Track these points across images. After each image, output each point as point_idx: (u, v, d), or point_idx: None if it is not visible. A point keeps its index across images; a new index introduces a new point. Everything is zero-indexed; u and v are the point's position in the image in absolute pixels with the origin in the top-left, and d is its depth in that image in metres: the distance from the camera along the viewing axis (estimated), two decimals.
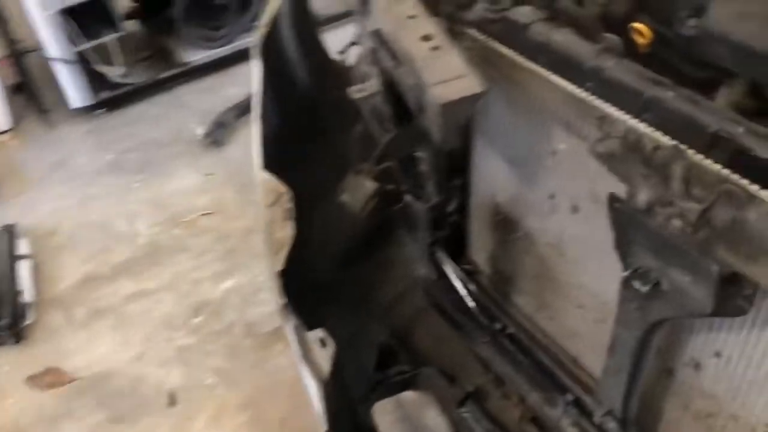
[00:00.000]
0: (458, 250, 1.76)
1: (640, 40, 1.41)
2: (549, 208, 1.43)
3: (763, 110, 1.24)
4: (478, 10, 1.39)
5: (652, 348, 1.18)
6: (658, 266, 1.03)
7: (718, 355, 1.16)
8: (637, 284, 1.07)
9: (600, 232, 1.32)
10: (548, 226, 1.45)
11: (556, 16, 1.30)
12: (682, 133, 1.06)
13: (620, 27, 1.41)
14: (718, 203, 0.91)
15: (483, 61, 1.42)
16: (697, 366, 1.22)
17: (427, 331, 1.79)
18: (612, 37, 1.21)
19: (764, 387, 1.12)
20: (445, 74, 1.19)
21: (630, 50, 1.40)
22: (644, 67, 1.38)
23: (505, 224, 1.58)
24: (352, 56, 1.82)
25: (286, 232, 1.73)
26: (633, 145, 0.98)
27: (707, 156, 1.03)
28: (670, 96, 1.08)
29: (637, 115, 1.12)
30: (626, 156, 0.99)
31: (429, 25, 1.31)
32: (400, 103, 1.48)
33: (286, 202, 1.73)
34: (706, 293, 0.97)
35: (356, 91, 1.52)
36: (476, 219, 1.68)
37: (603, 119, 1.06)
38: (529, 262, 1.55)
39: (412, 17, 1.33)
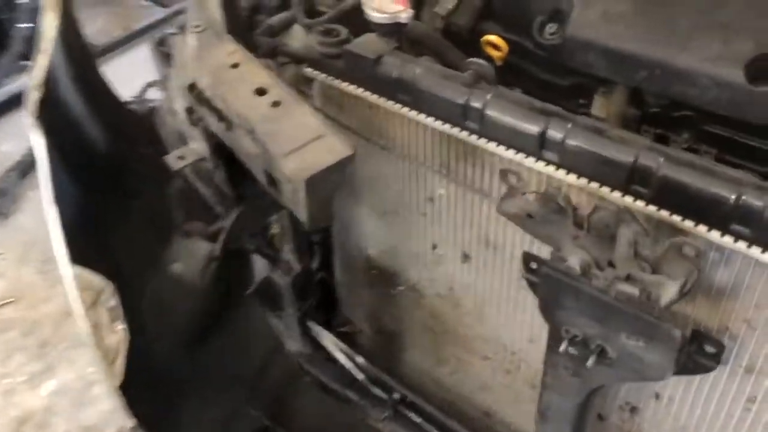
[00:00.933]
0: (329, 310, 1.53)
1: (495, 54, 1.25)
2: (434, 258, 1.24)
3: (649, 117, 1.13)
4: (310, 45, 1.16)
5: (591, 410, 1.04)
6: (600, 333, 0.87)
7: (657, 396, 1.04)
8: (574, 352, 0.90)
9: (498, 279, 1.16)
10: (436, 276, 1.26)
11: (401, 45, 1.10)
12: (594, 170, 0.91)
13: (466, 41, 1.25)
14: (670, 260, 0.76)
15: (328, 104, 1.19)
16: (633, 410, 1.09)
17: (314, 413, 1.55)
18: (480, 63, 1.04)
19: (708, 427, 1.01)
20: (297, 138, 0.95)
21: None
22: (501, 79, 1.24)
23: (382, 278, 1.37)
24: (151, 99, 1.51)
25: (118, 336, 1.40)
26: (555, 204, 0.80)
27: (626, 193, 0.89)
28: (569, 128, 0.91)
29: (534, 154, 0.95)
30: (550, 218, 0.81)
31: (260, 73, 1.05)
32: (236, 166, 1.22)
33: (110, 299, 1.40)
34: (667, 358, 0.83)
35: (175, 160, 1.23)
36: (346, 275, 1.46)
37: (506, 172, 0.87)
38: (419, 315, 1.36)
39: (235, 66, 1.06)
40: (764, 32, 0.98)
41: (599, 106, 1.16)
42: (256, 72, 1.05)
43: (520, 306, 1.15)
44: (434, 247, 1.22)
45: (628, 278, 0.78)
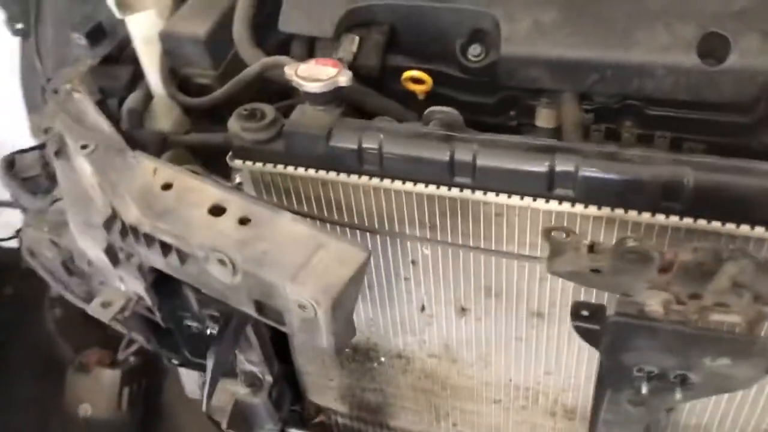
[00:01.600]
0: (295, 403, 1.36)
1: (419, 88, 1.15)
2: (423, 321, 1.13)
3: (602, 116, 1.10)
4: (234, 131, 0.98)
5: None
6: (680, 363, 0.82)
7: None
8: (652, 386, 0.85)
9: (504, 324, 1.08)
10: (427, 338, 1.15)
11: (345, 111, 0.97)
12: (618, 196, 0.85)
13: (378, 83, 1.14)
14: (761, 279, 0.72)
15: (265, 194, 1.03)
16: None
17: None
18: (443, 111, 0.94)
19: None
20: (295, 256, 0.79)
21: (407, 102, 1.15)
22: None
23: (358, 355, 1.24)
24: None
25: None
26: (636, 254, 0.73)
27: (656, 211, 0.85)
28: (581, 159, 0.85)
29: (543, 194, 0.88)
30: (625, 268, 0.74)
31: (204, 187, 0.86)
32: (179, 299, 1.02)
33: None
34: (759, 369, 0.80)
35: (100, 309, 1.00)
36: (311, 364, 1.30)
37: (550, 230, 0.79)
38: (408, 380, 1.24)
39: (167, 186, 0.87)
40: (700, 12, 0.98)
41: (545, 117, 1.11)
42: (197, 187, 0.87)
43: (532, 344, 1.09)
44: (422, 309, 1.11)
45: (719, 306, 0.73)
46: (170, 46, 1.17)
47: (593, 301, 0.94)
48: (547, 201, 0.88)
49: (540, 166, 0.86)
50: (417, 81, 1.13)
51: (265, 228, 0.82)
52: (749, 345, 0.77)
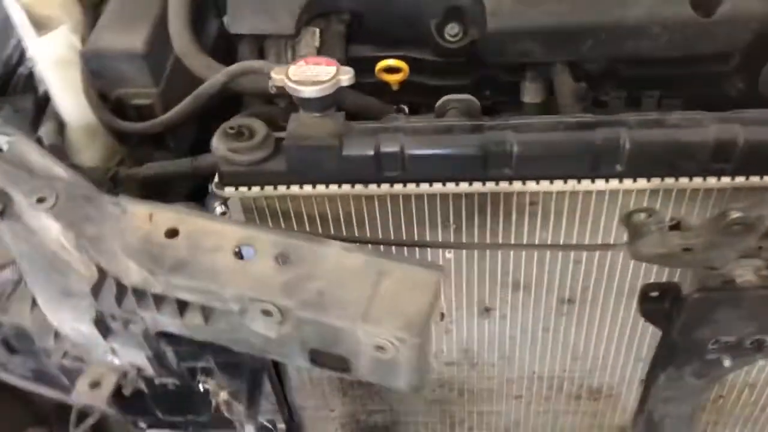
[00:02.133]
0: None
1: (394, 77, 1.05)
2: (441, 330, 1.04)
3: (595, 84, 1.05)
4: (221, 155, 0.83)
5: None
6: (760, 328, 0.79)
7: None
8: (735, 355, 0.82)
9: (531, 317, 1.02)
10: (445, 347, 1.07)
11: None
12: (669, 164, 0.80)
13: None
14: None
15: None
16: None
17: None
18: (460, 99, 0.85)
19: None
20: (357, 290, 0.67)
21: (380, 92, 1.05)
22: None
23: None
24: None
25: None
26: (733, 225, 0.67)
27: (708, 174, 0.81)
28: (627, 131, 0.79)
29: (588, 174, 0.81)
30: (719, 241, 0.68)
31: (218, 227, 0.72)
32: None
33: None
34: None
35: (88, 392, 0.82)
36: (310, 398, 1.16)
37: (631, 214, 0.72)
38: (423, 393, 1.15)
39: (173, 233, 0.71)
40: None
41: (532, 92, 1.04)
42: (211, 228, 0.72)
43: (560, 332, 1.03)
44: (442, 317, 1.02)
45: None
46: (98, 65, 0.99)
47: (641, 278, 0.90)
48: (593, 181, 0.82)
49: (584, 144, 0.79)
50: (392, 70, 1.03)
51: (310, 264, 0.69)
52: None
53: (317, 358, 0.72)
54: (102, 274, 0.73)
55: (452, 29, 1.01)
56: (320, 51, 1.02)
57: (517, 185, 0.82)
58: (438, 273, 0.68)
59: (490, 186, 0.83)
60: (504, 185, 0.82)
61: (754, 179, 0.80)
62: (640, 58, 0.99)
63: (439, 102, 0.87)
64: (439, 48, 1.03)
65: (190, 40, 1.00)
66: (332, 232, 0.90)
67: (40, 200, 0.76)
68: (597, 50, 0.97)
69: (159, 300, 0.72)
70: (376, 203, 0.87)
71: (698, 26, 0.94)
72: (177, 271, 0.69)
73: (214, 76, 0.93)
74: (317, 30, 1.02)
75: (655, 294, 0.81)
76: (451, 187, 0.83)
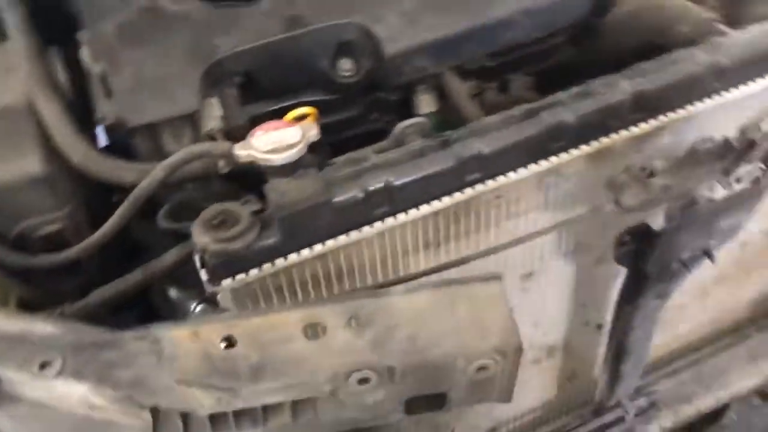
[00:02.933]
0: None
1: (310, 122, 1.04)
2: None
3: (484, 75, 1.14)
4: (206, 248, 0.77)
5: None
6: (713, 239, 0.94)
7: None
8: (691, 266, 0.96)
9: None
10: None
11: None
12: (604, 123, 0.91)
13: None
14: None
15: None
16: None
17: None
18: (413, 123, 0.88)
19: None
20: (440, 324, 0.68)
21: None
22: None
23: None
24: None
25: None
26: (702, 157, 0.79)
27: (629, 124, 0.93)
28: (564, 109, 0.88)
29: (542, 155, 0.89)
30: (690, 174, 0.80)
31: (261, 318, 0.67)
32: None
33: None
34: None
35: None
36: None
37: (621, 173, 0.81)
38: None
39: (230, 344, 0.65)
40: None
41: (427, 102, 1.10)
42: (265, 322, 0.68)
43: (523, 307, 1.11)
44: None
45: None
46: None
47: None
48: (547, 159, 0.90)
49: (539, 129, 0.87)
50: (302, 118, 1.02)
51: (383, 317, 0.68)
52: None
53: (412, 405, 0.71)
54: (157, 415, 0.65)
55: (345, 64, 1.03)
56: (227, 120, 0.98)
57: (490, 184, 0.88)
58: (498, 281, 0.71)
59: (469, 192, 0.87)
60: (480, 187, 0.88)
61: (663, 118, 0.94)
62: (510, 47, 1.11)
63: (397, 129, 0.89)
64: (334, 86, 1.04)
65: (87, 146, 0.90)
66: (325, 291, 0.88)
67: (43, 366, 0.65)
68: (477, 49, 1.06)
69: (238, 415, 0.66)
70: (364, 245, 0.87)
71: (554, 5, 1.07)
72: (259, 377, 0.64)
73: (151, 174, 0.85)
74: (215, 99, 0.98)
75: (627, 238, 0.92)
76: (436, 204, 0.86)
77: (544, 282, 1.08)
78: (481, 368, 0.68)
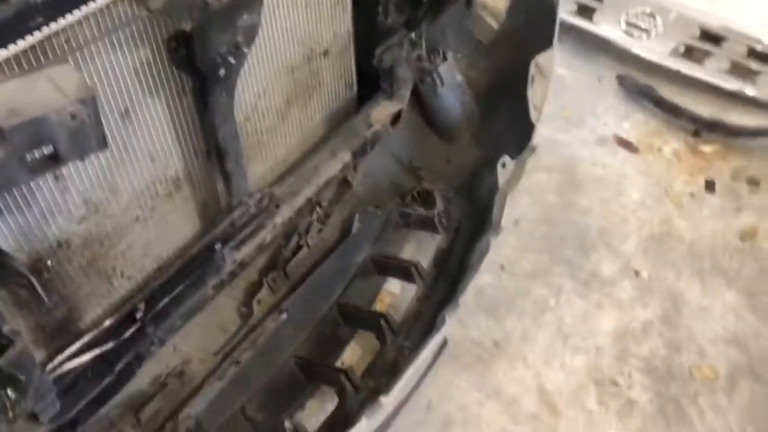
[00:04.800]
0: None
1: None
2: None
3: None
4: None
5: None
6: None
7: None
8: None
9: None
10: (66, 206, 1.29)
11: None
12: None
13: None
14: None
15: None
16: None
17: None
18: None
19: None
20: None
21: None
22: None
23: None
24: None
25: None
26: None
27: None
28: None
29: None
30: None
31: None
32: None
33: None
34: None
35: None
36: None
37: None
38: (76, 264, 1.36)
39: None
40: None
41: None
42: None
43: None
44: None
45: None
46: None
47: None
48: None
49: None
50: None
51: None
52: None
53: (33, 165, 0.94)
54: None
55: None
56: None
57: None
58: (69, 65, 0.97)
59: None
60: None
61: None
62: None
63: None
64: None
65: None
66: None
67: None
68: None
69: None
70: None
71: None
72: None
73: None
74: None
75: (174, 44, 1.23)
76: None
77: (143, 117, 1.36)
78: (72, 115, 0.93)
